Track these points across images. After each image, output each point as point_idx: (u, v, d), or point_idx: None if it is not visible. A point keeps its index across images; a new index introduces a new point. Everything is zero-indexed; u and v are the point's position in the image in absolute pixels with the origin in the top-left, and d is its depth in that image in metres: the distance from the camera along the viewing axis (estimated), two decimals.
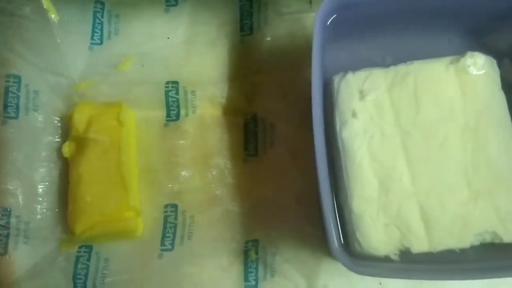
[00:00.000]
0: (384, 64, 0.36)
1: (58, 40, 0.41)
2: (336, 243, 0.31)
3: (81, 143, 0.38)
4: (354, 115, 0.34)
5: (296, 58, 0.41)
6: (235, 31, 0.42)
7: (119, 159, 0.37)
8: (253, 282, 0.38)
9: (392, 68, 0.35)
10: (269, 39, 0.42)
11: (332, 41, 0.38)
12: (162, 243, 0.38)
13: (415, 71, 0.35)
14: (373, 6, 0.36)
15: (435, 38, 0.39)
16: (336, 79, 0.36)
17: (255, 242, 0.38)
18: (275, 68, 0.41)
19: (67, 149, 0.38)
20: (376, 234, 0.33)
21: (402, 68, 0.35)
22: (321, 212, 0.31)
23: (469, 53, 0.35)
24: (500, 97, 0.35)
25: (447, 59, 0.35)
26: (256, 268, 0.38)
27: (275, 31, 0.42)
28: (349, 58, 0.39)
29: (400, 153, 0.34)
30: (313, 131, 0.32)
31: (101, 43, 0.42)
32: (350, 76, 0.35)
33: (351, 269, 0.30)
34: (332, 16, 0.36)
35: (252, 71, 0.41)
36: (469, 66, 0.34)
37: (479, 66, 0.34)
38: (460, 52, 0.37)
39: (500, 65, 0.38)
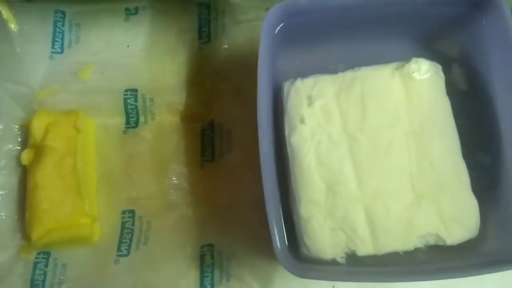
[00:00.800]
0: (338, 70, 0.37)
1: (18, 50, 0.41)
2: (279, 247, 0.32)
3: (39, 151, 0.38)
4: (302, 121, 0.35)
5: (253, 65, 0.41)
6: (194, 39, 0.43)
7: (75, 166, 0.38)
8: (209, 287, 0.38)
9: (340, 74, 0.36)
10: (226, 46, 0.42)
11: (285, 48, 0.39)
12: (119, 249, 0.38)
13: (362, 77, 0.36)
14: (322, 14, 0.37)
15: (388, 43, 0.40)
16: (286, 85, 0.36)
17: (211, 246, 0.39)
18: (233, 75, 0.42)
19: (25, 157, 0.39)
20: (323, 237, 0.33)
21: (349, 74, 0.36)
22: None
23: (414, 59, 0.35)
24: (444, 102, 0.35)
25: (393, 65, 0.36)
26: (212, 273, 0.38)
27: (233, 38, 0.42)
28: (303, 65, 0.39)
29: (347, 157, 0.34)
30: (259, 138, 0.33)
31: (62, 52, 0.43)
32: (299, 82, 0.36)
33: (293, 272, 0.31)
34: (280, 24, 0.36)
35: (210, 78, 0.42)
36: (413, 72, 0.35)
37: (423, 72, 0.35)
38: (412, 57, 0.38)
39: (449, 70, 0.39)
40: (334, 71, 0.37)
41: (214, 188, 0.40)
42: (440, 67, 0.36)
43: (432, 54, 0.39)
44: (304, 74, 0.37)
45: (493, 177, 0.35)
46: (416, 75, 0.35)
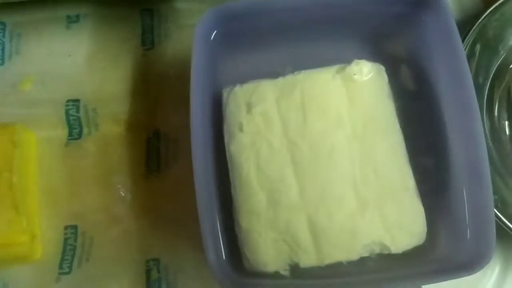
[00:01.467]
0: (285, 74, 0.36)
1: None
2: (213, 260, 0.30)
3: None
4: (240, 128, 0.34)
5: None
6: (137, 46, 0.41)
7: (11, 181, 0.36)
8: None
9: (280, 79, 0.35)
10: (170, 52, 0.41)
11: (228, 52, 0.37)
12: (60, 266, 0.37)
13: (302, 81, 0.34)
14: (263, 17, 0.36)
15: (338, 44, 0.39)
16: (225, 92, 0.35)
17: (156, 261, 0.37)
18: (178, 82, 0.40)
19: None
20: (265, 249, 0.32)
21: (289, 78, 0.35)
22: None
23: (355, 61, 0.34)
24: (387, 104, 0.34)
25: (334, 68, 0.34)
26: None
27: (177, 44, 0.41)
28: (248, 69, 0.38)
29: (288, 165, 0.33)
30: (192, 148, 0.31)
31: (2, 63, 0.41)
32: (238, 89, 0.35)
33: (226, 286, 0.30)
34: (215, 30, 0.35)
35: (155, 86, 0.41)
36: (354, 74, 0.34)
37: (365, 74, 0.34)
38: (362, 58, 0.37)
39: (398, 71, 0.38)
40: (281, 74, 0.36)
41: (160, 199, 0.38)
42: (383, 68, 0.35)
43: (381, 54, 0.38)
44: (250, 78, 0.36)
45: (441, 181, 0.34)
46: (357, 77, 0.34)
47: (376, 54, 0.38)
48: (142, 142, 0.40)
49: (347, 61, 0.35)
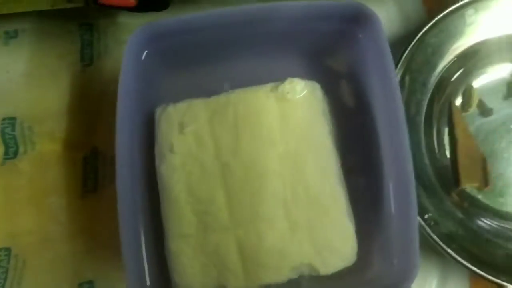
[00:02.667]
0: (223, 91, 0.35)
1: None
2: (133, 284, 0.30)
3: None
4: (172, 149, 0.33)
5: None
6: (76, 62, 0.41)
7: None
8: None
9: (214, 98, 0.34)
10: (109, 68, 0.40)
11: (166, 70, 0.37)
12: None
13: (235, 100, 0.34)
14: (198, 34, 0.35)
15: (277, 61, 0.38)
16: (158, 112, 0.34)
17: (90, 283, 0.37)
18: (116, 98, 0.39)
19: None
20: (193, 273, 0.31)
21: (222, 97, 0.34)
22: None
23: (289, 79, 0.34)
24: (321, 123, 0.34)
25: (268, 86, 0.34)
26: None
27: (116, 59, 0.40)
28: (187, 87, 0.37)
29: (219, 186, 0.32)
30: (116, 172, 0.31)
31: None
32: (170, 108, 0.34)
33: None
34: (147, 48, 0.34)
35: (93, 102, 0.40)
36: (288, 93, 0.33)
37: (298, 92, 0.33)
38: (302, 75, 0.36)
39: (338, 87, 0.37)
40: (219, 92, 0.35)
41: (95, 220, 0.38)
42: (318, 86, 0.35)
43: (322, 70, 0.38)
44: (189, 97, 0.35)
45: (374, 200, 0.34)
46: (290, 96, 0.33)
47: (317, 70, 0.38)
48: (79, 161, 0.39)
49: (288, 77, 0.35)
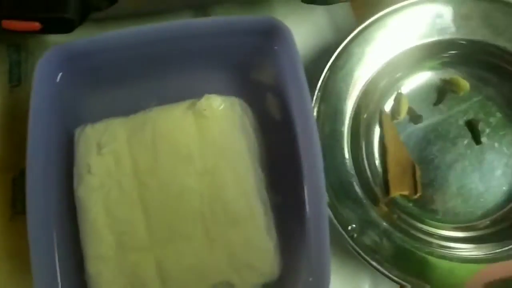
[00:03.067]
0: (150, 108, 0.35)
1: None
2: None
3: None
4: (89, 170, 0.33)
5: None
6: (4, 83, 0.40)
7: None
8: None
9: (132, 116, 0.34)
10: None
11: (90, 89, 0.36)
12: None
13: (153, 118, 0.33)
14: (118, 53, 0.35)
15: (204, 76, 0.38)
16: (76, 133, 0.34)
17: None
18: None
19: None
20: None
21: (140, 116, 0.34)
22: None
23: (206, 96, 0.33)
24: (239, 138, 0.33)
25: (186, 103, 0.34)
26: None
27: None
28: (112, 106, 0.36)
29: (138, 206, 0.32)
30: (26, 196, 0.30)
31: None
32: (88, 128, 0.34)
33: None
34: (61, 70, 0.34)
35: (21, 123, 0.39)
36: (204, 110, 0.33)
37: (215, 108, 0.33)
38: (229, 89, 0.36)
39: (264, 101, 0.37)
40: (145, 109, 0.35)
41: (24, 242, 0.37)
42: (237, 101, 0.35)
43: (248, 84, 0.38)
44: (113, 115, 0.35)
45: (296, 215, 0.33)
46: (207, 112, 0.33)
47: (244, 84, 0.38)
48: (8, 182, 0.38)
49: (215, 92, 0.35)
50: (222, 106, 0.33)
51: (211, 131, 0.33)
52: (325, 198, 0.30)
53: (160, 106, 0.34)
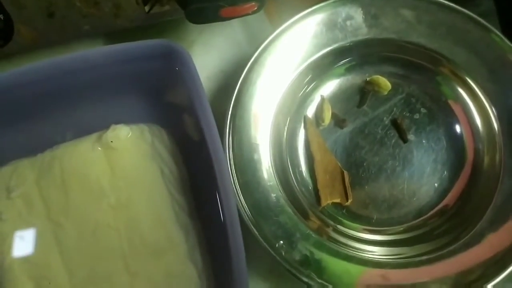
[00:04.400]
0: (65, 141, 0.34)
1: None
2: None
3: None
4: (0, 216, 0.31)
5: None
6: None
7: None
8: None
9: (39, 156, 0.33)
10: None
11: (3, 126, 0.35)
12: None
13: (60, 155, 0.33)
14: (18, 90, 0.34)
15: (120, 103, 0.36)
16: None
17: None
18: None
19: None
20: None
21: (48, 154, 0.33)
22: None
23: (112, 126, 0.33)
24: (152, 166, 0.33)
25: (93, 137, 0.33)
26: None
27: None
28: (28, 141, 0.35)
29: (54, 248, 0.31)
30: None
31: None
32: None
33: None
34: None
35: None
36: (111, 141, 0.32)
37: (123, 139, 0.32)
38: (147, 115, 0.35)
39: (182, 122, 0.36)
40: (60, 142, 0.34)
41: None
42: (146, 128, 0.34)
43: (165, 107, 0.37)
44: (30, 151, 0.34)
45: (222, 240, 0.32)
46: (115, 143, 0.32)
47: (161, 108, 0.36)
48: None
49: (131, 119, 0.34)
50: (129, 135, 0.32)
51: (120, 162, 0.32)
52: (234, 204, 0.29)
53: (67, 142, 0.33)
